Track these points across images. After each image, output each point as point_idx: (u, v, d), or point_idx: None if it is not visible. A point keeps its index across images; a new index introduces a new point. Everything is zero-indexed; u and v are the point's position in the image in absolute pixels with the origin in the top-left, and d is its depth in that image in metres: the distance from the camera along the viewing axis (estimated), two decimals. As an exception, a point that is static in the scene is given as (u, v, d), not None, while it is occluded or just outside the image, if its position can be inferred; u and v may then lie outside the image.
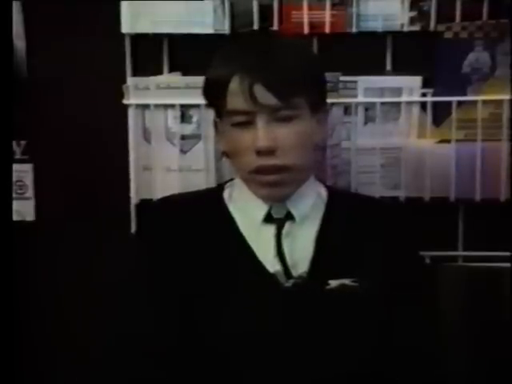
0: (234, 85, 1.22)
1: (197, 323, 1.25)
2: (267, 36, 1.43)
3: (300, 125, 1.25)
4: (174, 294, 1.25)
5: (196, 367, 1.25)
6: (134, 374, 1.24)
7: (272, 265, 1.26)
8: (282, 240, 1.27)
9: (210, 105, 1.31)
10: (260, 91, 1.21)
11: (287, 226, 1.29)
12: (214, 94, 1.27)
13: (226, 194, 1.34)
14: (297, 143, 1.24)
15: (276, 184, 1.25)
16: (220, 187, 1.37)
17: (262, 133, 1.22)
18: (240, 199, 1.32)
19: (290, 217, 1.29)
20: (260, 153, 1.23)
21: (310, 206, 1.32)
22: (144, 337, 1.24)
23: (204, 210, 1.32)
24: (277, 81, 1.21)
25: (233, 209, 1.32)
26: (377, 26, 1.56)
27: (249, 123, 1.23)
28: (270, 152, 1.23)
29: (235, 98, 1.23)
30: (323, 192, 1.35)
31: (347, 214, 1.32)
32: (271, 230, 1.28)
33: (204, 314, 1.24)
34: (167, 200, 1.37)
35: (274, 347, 1.23)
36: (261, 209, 1.29)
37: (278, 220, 1.29)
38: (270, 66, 1.22)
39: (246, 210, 1.31)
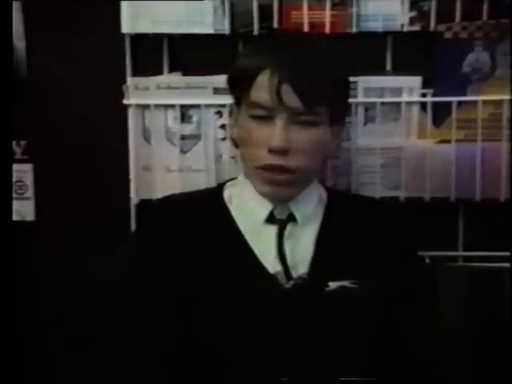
0: (263, 78, 1.23)
1: (196, 323, 1.25)
2: (307, 37, 1.43)
3: (316, 133, 1.25)
4: (174, 293, 1.25)
5: (196, 367, 1.25)
6: (134, 373, 1.25)
7: (272, 265, 1.26)
8: (283, 241, 1.27)
9: (231, 91, 1.31)
10: (287, 91, 1.21)
11: (289, 227, 1.29)
12: (240, 82, 1.27)
13: (226, 194, 1.34)
14: (309, 149, 1.24)
15: (280, 183, 1.25)
16: (220, 187, 1.37)
17: (279, 132, 1.22)
18: (242, 199, 1.32)
19: (292, 218, 1.29)
20: (272, 151, 1.23)
21: (312, 208, 1.32)
22: (144, 336, 1.25)
23: (204, 209, 1.32)
24: (306, 85, 1.21)
25: (233, 209, 1.32)
26: (377, 26, 1.56)
27: (267, 118, 1.24)
28: (282, 152, 1.23)
29: (261, 91, 1.23)
30: (324, 194, 1.36)
31: (347, 216, 1.32)
32: (273, 230, 1.28)
33: (204, 315, 1.25)
34: (167, 200, 1.37)
35: (273, 348, 1.23)
36: (263, 209, 1.29)
37: (281, 221, 1.29)
38: (303, 69, 1.22)
39: (248, 210, 1.31)
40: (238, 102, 1.30)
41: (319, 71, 1.23)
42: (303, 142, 1.24)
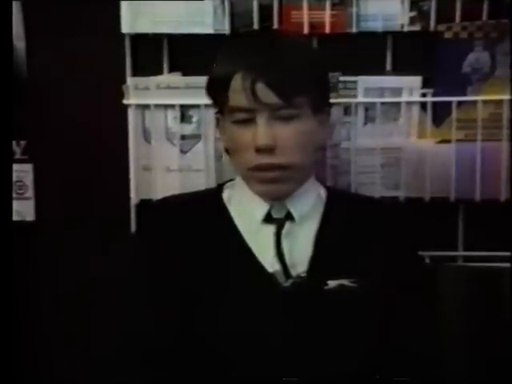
0: (237, 82, 1.23)
1: (196, 323, 1.25)
2: (271, 35, 1.43)
3: (301, 124, 1.25)
4: (174, 293, 1.25)
5: (195, 366, 1.25)
6: (134, 375, 1.24)
7: (271, 265, 1.26)
8: (281, 240, 1.27)
9: (212, 101, 1.31)
10: (262, 89, 1.21)
11: (287, 226, 1.29)
12: (217, 91, 1.27)
13: (225, 195, 1.34)
14: (297, 142, 1.24)
15: (274, 181, 1.25)
16: (219, 188, 1.37)
17: (262, 131, 1.22)
18: (240, 199, 1.32)
19: (289, 217, 1.29)
20: (259, 151, 1.23)
21: (309, 206, 1.32)
22: (144, 336, 1.25)
23: (203, 210, 1.32)
24: (279, 80, 1.21)
25: (232, 209, 1.32)
26: (377, 26, 1.56)
27: (249, 121, 1.24)
28: (269, 150, 1.23)
29: (237, 95, 1.23)
30: (323, 192, 1.36)
31: (346, 214, 1.32)
32: (271, 229, 1.28)
33: (203, 314, 1.25)
34: (166, 200, 1.37)
35: (272, 347, 1.23)
36: (261, 208, 1.30)
37: (278, 220, 1.29)
38: (272, 65, 1.22)
39: (246, 210, 1.31)
40: (220, 111, 1.30)
41: (290, 63, 1.22)
42: (288, 137, 1.24)
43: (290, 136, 1.24)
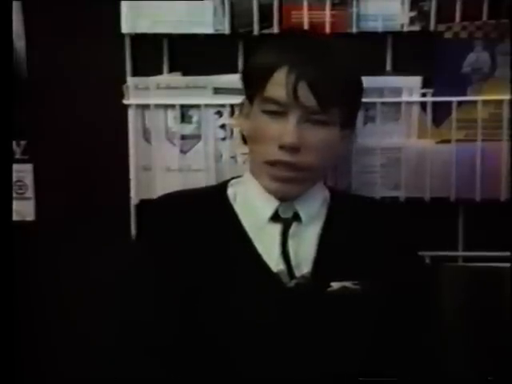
0: (281, 75, 1.23)
1: (199, 321, 1.25)
2: (326, 38, 1.45)
3: (327, 132, 1.26)
4: (177, 291, 1.25)
5: (198, 365, 1.26)
6: (137, 373, 1.24)
7: (276, 264, 1.26)
8: (287, 240, 1.27)
9: (245, 86, 1.32)
10: (303, 89, 1.22)
11: (293, 226, 1.29)
12: (256, 77, 1.27)
13: (230, 192, 1.34)
14: (319, 148, 1.25)
15: (287, 180, 1.26)
16: (223, 185, 1.37)
17: (292, 129, 1.23)
18: (247, 197, 1.32)
19: (296, 217, 1.30)
20: (283, 148, 1.23)
21: (316, 208, 1.32)
22: (146, 335, 1.25)
23: (208, 207, 1.32)
24: (323, 85, 1.22)
25: (237, 206, 1.32)
26: (377, 26, 1.56)
27: (280, 114, 1.24)
28: (292, 149, 1.23)
29: (277, 87, 1.24)
30: (327, 194, 1.36)
31: (349, 216, 1.33)
32: (277, 229, 1.29)
33: (206, 313, 1.25)
34: (170, 196, 1.36)
35: (274, 346, 1.23)
36: (269, 207, 1.30)
37: (285, 219, 1.29)
38: (321, 69, 1.23)
39: (253, 208, 1.31)
40: (250, 98, 1.30)
41: (337, 72, 1.23)
42: (314, 141, 1.24)
43: (315, 140, 1.25)
